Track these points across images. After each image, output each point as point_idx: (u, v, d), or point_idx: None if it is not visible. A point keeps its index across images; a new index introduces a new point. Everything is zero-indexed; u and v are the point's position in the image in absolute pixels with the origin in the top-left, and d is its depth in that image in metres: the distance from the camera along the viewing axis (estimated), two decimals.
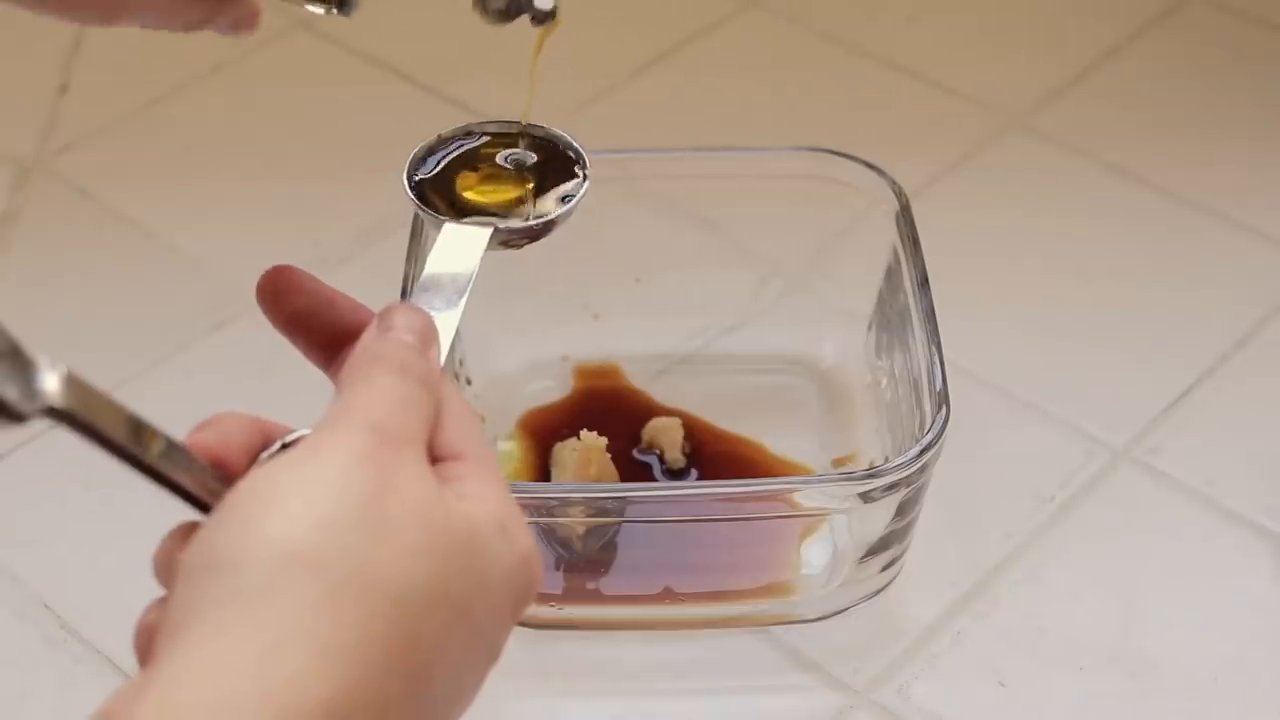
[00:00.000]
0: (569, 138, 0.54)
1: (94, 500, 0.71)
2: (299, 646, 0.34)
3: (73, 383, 0.35)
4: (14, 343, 0.34)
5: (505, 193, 0.54)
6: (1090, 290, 0.80)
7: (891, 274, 0.70)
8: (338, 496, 0.37)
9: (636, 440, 0.72)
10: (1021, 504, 0.70)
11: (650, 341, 0.76)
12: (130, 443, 0.37)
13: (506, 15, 0.53)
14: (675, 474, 0.71)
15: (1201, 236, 0.83)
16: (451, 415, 0.42)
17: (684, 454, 0.72)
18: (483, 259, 0.49)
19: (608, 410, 0.74)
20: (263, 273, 0.47)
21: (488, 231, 0.50)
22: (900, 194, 0.69)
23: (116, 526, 0.70)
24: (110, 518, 0.70)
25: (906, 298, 0.67)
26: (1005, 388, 0.75)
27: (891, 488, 0.60)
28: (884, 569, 0.66)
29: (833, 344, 0.75)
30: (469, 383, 0.73)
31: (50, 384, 0.34)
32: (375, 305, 0.71)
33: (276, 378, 0.77)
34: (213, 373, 0.77)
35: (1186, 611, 0.66)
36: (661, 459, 0.71)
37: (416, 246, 0.67)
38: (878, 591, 0.66)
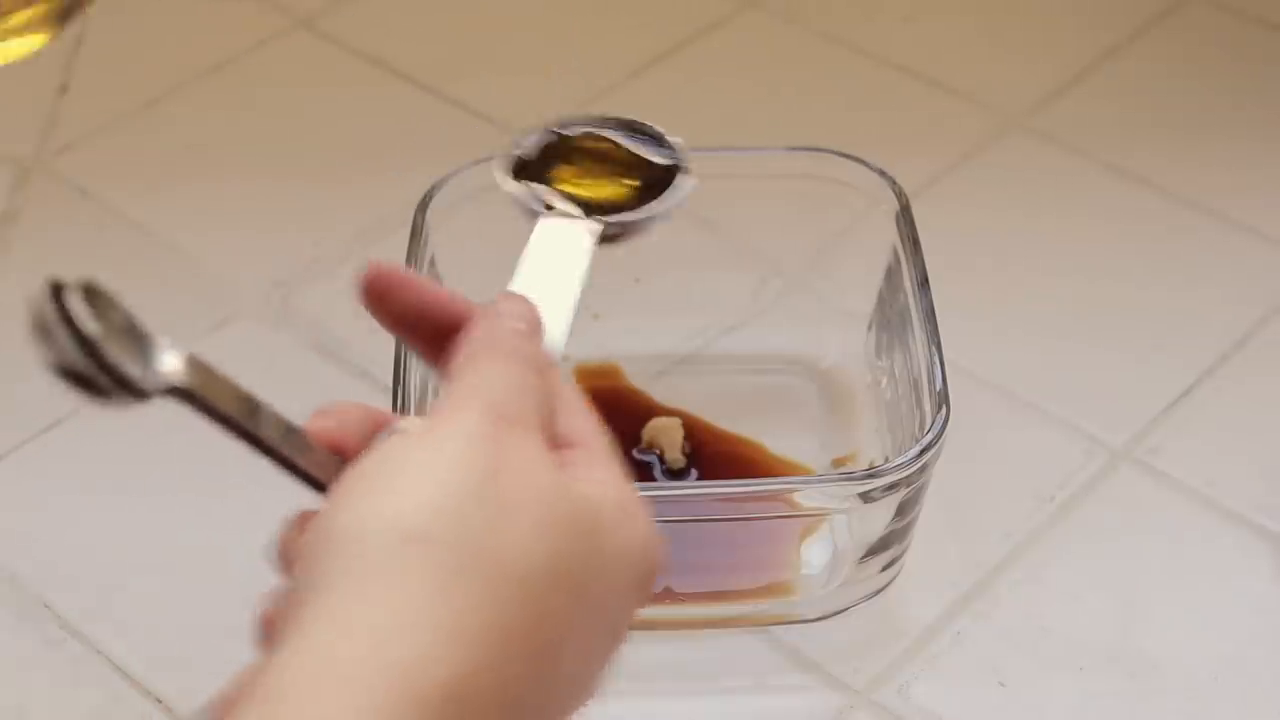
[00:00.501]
0: (664, 132, 0.52)
1: (94, 500, 0.71)
2: (419, 628, 0.34)
3: (193, 362, 0.36)
4: (132, 321, 0.35)
5: (602, 188, 0.53)
6: (1090, 290, 0.80)
7: (891, 274, 0.70)
8: (456, 477, 0.36)
9: (636, 440, 0.72)
10: (1021, 504, 0.70)
11: (650, 341, 0.76)
12: (249, 422, 0.37)
13: None
14: (675, 474, 0.71)
15: (1201, 236, 0.83)
16: (564, 403, 0.42)
17: (684, 454, 0.72)
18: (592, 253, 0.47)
19: (608, 410, 0.74)
20: (362, 273, 0.45)
21: (595, 228, 0.48)
22: (900, 194, 0.69)
23: (117, 527, 0.70)
24: (111, 518, 0.70)
25: (906, 298, 0.67)
26: (1005, 388, 0.75)
27: (891, 488, 0.60)
28: (884, 569, 0.66)
29: (833, 344, 0.75)
30: None
31: (172, 363, 0.35)
32: None
33: (277, 377, 0.77)
34: None
35: (1187, 611, 0.67)
36: (661, 459, 0.71)
37: (417, 246, 0.67)
38: (878, 591, 0.66)
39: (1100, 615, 0.66)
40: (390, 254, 0.70)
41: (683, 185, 0.51)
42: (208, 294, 0.81)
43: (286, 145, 0.90)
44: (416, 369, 0.64)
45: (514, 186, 0.49)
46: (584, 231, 0.48)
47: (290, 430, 0.38)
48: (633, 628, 0.41)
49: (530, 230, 0.48)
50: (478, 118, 0.91)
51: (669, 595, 0.66)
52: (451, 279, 0.71)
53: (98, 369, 0.33)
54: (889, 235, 0.69)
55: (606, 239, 0.50)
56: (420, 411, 0.64)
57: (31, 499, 0.72)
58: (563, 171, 0.53)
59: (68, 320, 0.33)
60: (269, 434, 0.38)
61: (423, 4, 0.99)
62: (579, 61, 0.94)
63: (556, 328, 0.46)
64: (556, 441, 0.41)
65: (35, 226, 0.85)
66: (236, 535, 0.69)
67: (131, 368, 0.34)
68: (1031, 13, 0.98)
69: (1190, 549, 0.69)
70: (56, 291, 0.34)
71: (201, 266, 0.83)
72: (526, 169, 0.52)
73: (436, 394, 0.67)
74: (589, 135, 0.53)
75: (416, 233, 0.68)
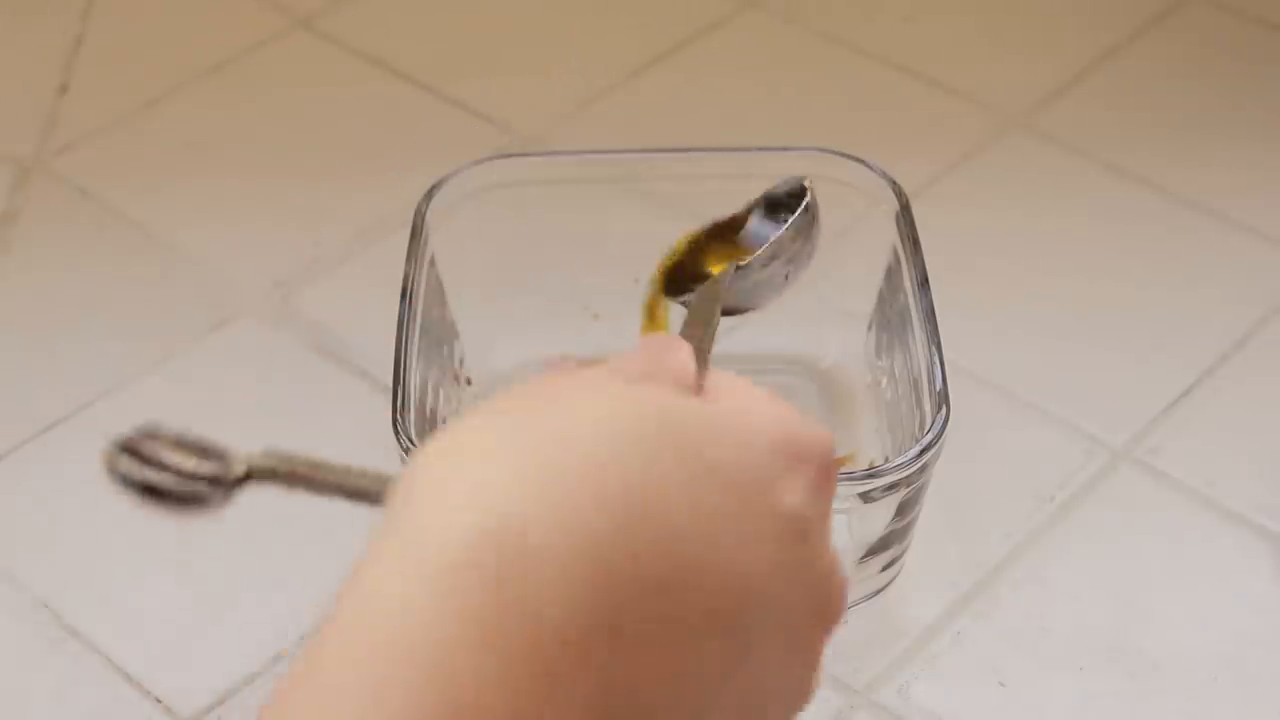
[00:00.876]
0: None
1: (93, 500, 0.71)
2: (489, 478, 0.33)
3: (263, 458, 0.39)
4: (202, 442, 0.39)
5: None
6: (1090, 290, 0.80)
7: (891, 274, 0.70)
8: (506, 395, 0.36)
9: None
10: (1021, 504, 0.70)
11: None
12: (318, 478, 0.39)
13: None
14: None
15: (1201, 236, 0.83)
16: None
17: None
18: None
19: None
20: None
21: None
22: (900, 194, 0.69)
23: (116, 527, 0.70)
24: (109, 518, 0.70)
25: (906, 298, 0.67)
26: (1005, 388, 0.75)
27: (891, 488, 0.60)
28: (884, 569, 0.66)
29: (833, 344, 0.75)
30: (469, 383, 0.73)
31: (244, 455, 0.38)
32: (374, 306, 0.71)
33: (276, 377, 0.78)
34: (213, 372, 0.77)
35: (1186, 611, 0.66)
36: None
37: (416, 246, 0.67)
38: (878, 591, 0.66)
39: (1100, 615, 0.66)
40: (390, 253, 0.70)
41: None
42: (208, 294, 0.81)
43: (286, 145, 0.90)
44: (416, 369, 0.64)
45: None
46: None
47: (352, 470, 0.39)
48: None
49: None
50: (478, 118, 0.91)
51: None
52: (451, 279, 0.71)
53: (186, 481, 0.38)
54: (889, 235, 0.69)
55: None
56: (419, 412, 0.64)
57: (31, 499, 0.72)
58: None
59: (148, 460, 0.39)
60: (338, 480, 0.39)
61: (423, 4, 0.99)
62: (579, 61, 0.94)
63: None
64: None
65: (35, 226, 0.85)
66: (236, 535, 0.69)
67: (214, 467, 0.38)
68: (1031, 13, 0.98)
69: (1190, 549, 0.69)
70: (125, 445, 0.40)
71: (201, 266, 0.83)
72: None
73: (436, 394, 0.68)
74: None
75: (416, 232, 0.68)
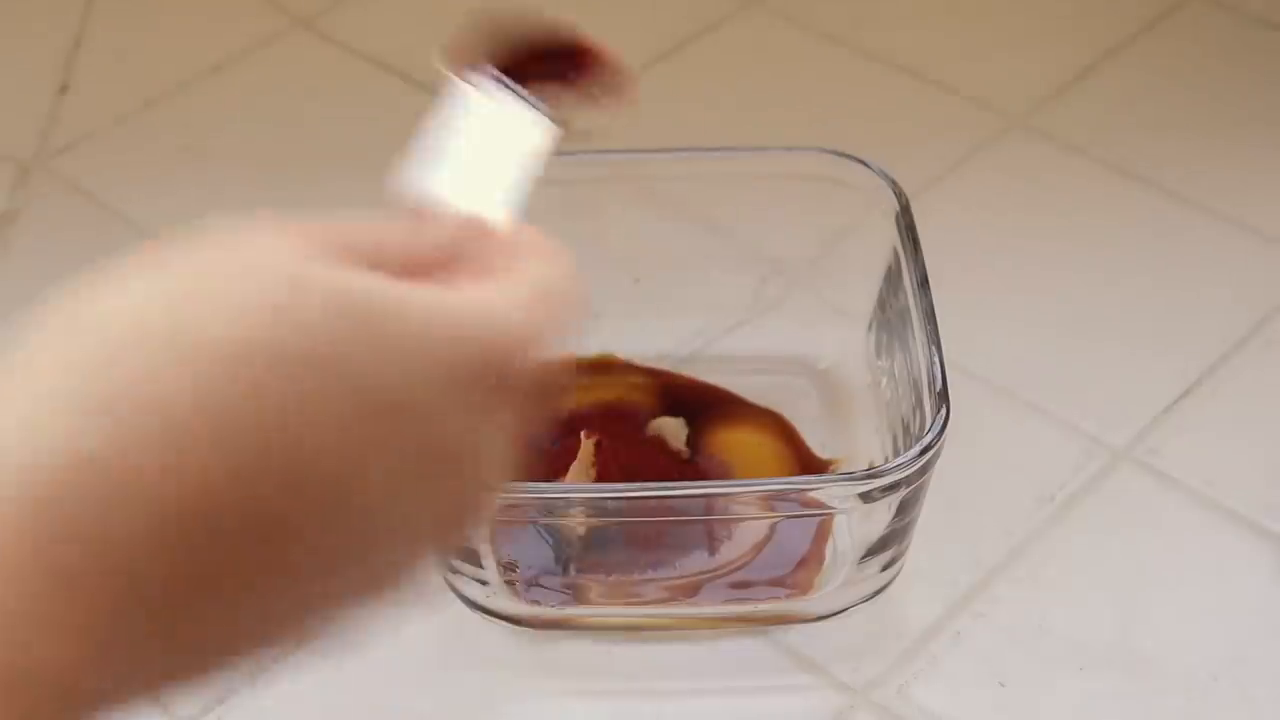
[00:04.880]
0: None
1: None
2: (35, 402, 0.29)
3: None
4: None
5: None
6: (1091, 290, 0.80)
7: (891, 274, 0.70)
8: (167, 271, 0.31)
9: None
10: (1021, 504, 0.70)
11: (649, 342, 0.76)
12: None
13: None
14: (681, 466, 0.71)
15: (1202, 236, 0.83)
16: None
17: (686, 445, 0.72)
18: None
19: (611, 409, 0.74)
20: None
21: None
22: (900, 194, 0.69)
23: None
24: None
25: (907, 298, 0.67)
26: (1005, 388, 0.75)
27: (891, 488, 0.60)
28: (884, 569, 0.66)
29: (832, 344, 0.75)
30: None
31: None
32: None
33: None
34: None
35: (1187, 611, 0.67)
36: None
37: None
38: (878, 592, 0.66)
39: (1100, 615, 0.66)
40: None
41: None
42: None
43: (286, 145, 0.90)
44: None
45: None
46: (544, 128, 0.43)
47: None
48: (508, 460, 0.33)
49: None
50: None
51: (681, 593, 0.66)
52: None
53: None
54: (889, 235, 0.69)
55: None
56: None
57: None
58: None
59: None
60: None
61: (423, 4, 0.99)
62: None
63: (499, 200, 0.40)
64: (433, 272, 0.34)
65: (35, 226, 0.85)
66: None
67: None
68: (1032, 13, 0.98)
69: (1190, 548, 0.69)
70: None
71: None
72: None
73: None
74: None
75: None
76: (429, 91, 0.94)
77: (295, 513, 0.30)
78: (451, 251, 0.36)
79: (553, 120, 0.42)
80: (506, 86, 0.42)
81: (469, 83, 0.41)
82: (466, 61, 0.42)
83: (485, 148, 0.40)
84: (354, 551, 0.31)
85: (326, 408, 0.30)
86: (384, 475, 0.31)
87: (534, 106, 0.42)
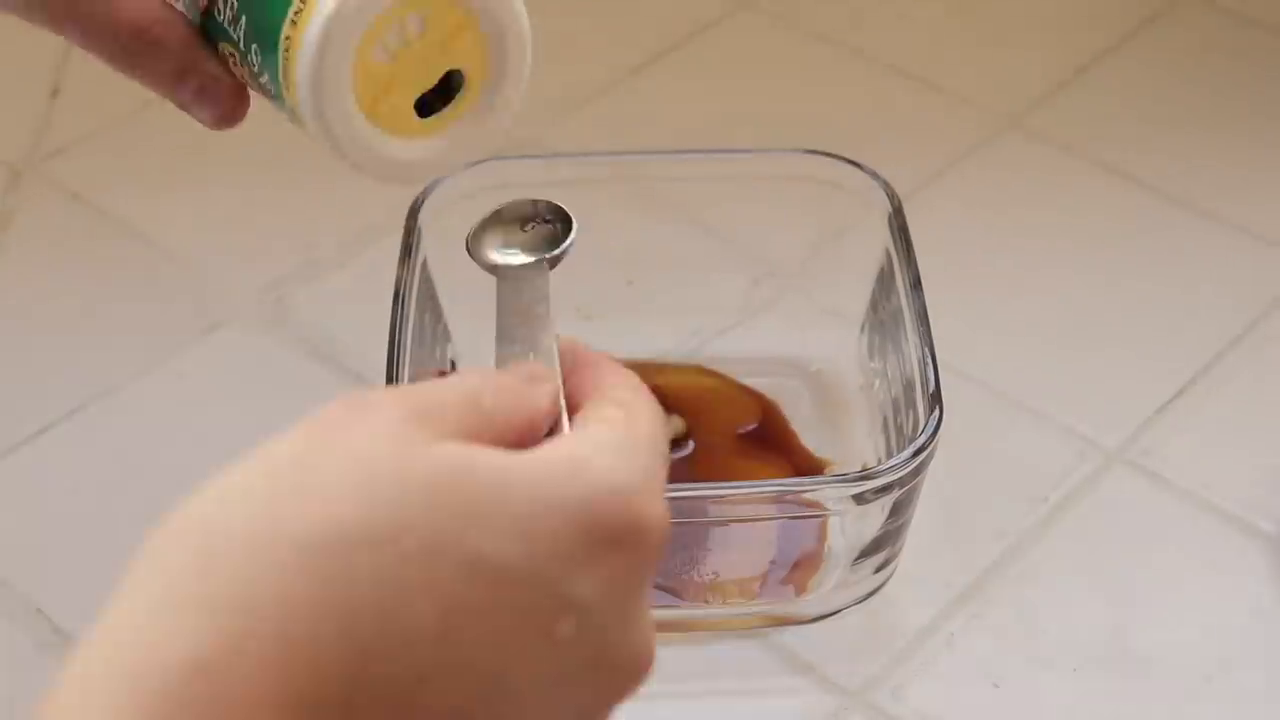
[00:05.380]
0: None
1: (86, 505, 0.71)
2: (159, 611, 0.30)
3: None
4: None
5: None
6: (1084, 291, 0.80)
7: (884, 276, 0.70)
8: (262, 458, 0.32)
9: None
10: (1015, 505, 0.70)
11: (643, 343, 0.76)
12: None
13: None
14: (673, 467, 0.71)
15: (1195, 237, 0.83)
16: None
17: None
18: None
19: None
20: None
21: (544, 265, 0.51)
22: (893, 195, 0.69)
23: (109, 531, 0.70)
24: (102, 523, 0.70)
25: (899, 299, 0.67)
26: (999, 389, 0.75)
27: (885, 490, 0.60)
28: (877, 571, 0.66)
29: (825, 346, 0.75)
30: None
31: None
32: (366, 309, 0.71)
33: (269, 381, 0.77)
34: (206, 375, 0.77)
35: (1180, 612, 0.67)
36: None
37: (409, 249, 0.67)
38: (871, 593, 0.66)
39: (1094, 616, 0.66)
40: (383, 257, 0.70)
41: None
42: (200, 298, 0.81)
43: (279, 148, 0.90)
44: (409, 372, 0.64)
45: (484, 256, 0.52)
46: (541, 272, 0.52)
47: None
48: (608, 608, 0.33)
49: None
50: None
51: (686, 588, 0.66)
52: (444, 282, 0.71)
53: None
54: (882, 237, 0.69)
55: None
56: None
57: (24, 503, 0.72)
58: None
59: None
60: None
61: None
62: (570, 64, 0.94)
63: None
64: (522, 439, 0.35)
65: (27, 230, 0.85)
66: None
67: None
68: (1024, 13, 0.98)
69: (1184, 550, 0.69)
70: None
71: (194, 270, 0.83)
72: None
73: None
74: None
75: (409, 235, 0.68)
76: None
77: (362, 646, 0.30)
78: (543, 406, 0.37)
79: (547, 261, 0.50)
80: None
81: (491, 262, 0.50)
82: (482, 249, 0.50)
83: (523, 308, 0.48)
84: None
85: (439, 584, 0.31)
86: (509, 639, 0.32)
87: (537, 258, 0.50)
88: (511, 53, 0.49)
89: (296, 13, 0.45)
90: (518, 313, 0.47)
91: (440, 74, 0.48)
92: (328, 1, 0.44)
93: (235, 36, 0.48)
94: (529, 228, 0.53)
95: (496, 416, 0.35)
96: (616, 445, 0.35)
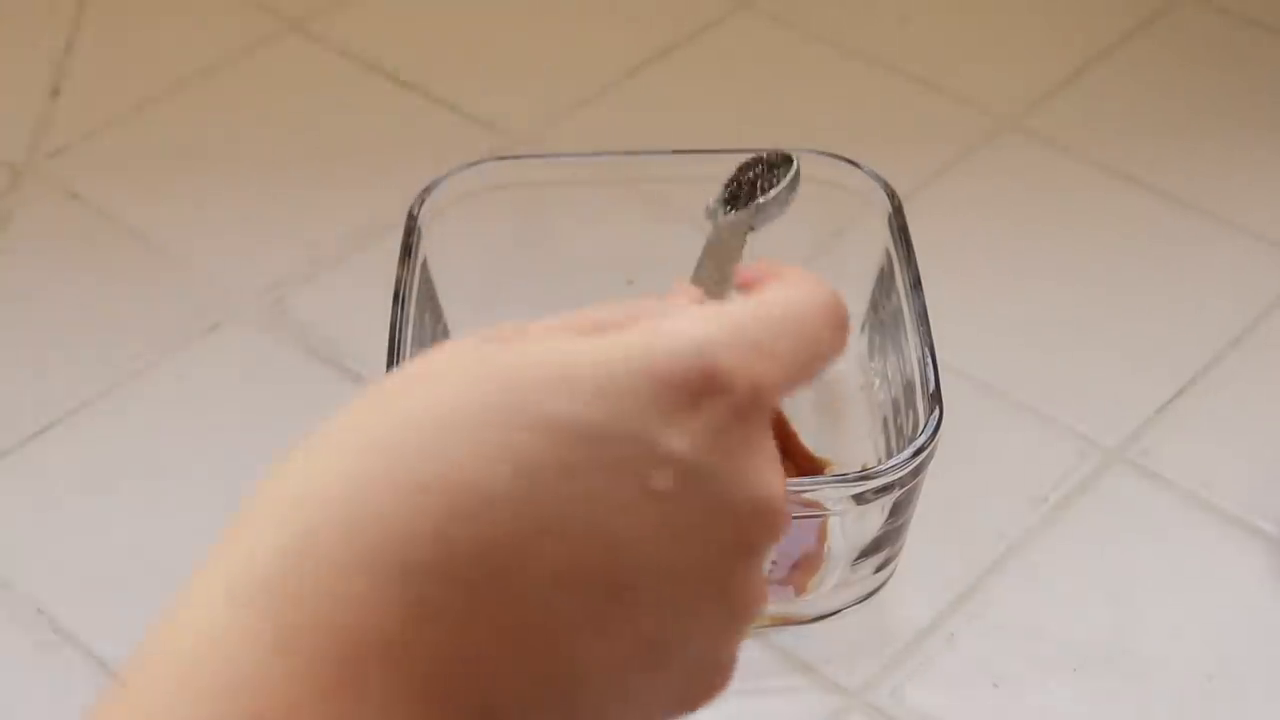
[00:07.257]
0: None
1: (87, 505, 0.71)
2: (247, 517, 0.32)
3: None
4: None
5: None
6: (1083, 291, 0.80)
7: (884, 276, 0.70)
8: (382, 384, 0.34)
9: None
10: (1015, 505, 0.70)
11: None
12: None
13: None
14: None
15: (1194, 237, 0.83)
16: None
17: None
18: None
19: None
20: None
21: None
22: (893, 195, 0.69)
23: (110, 531, 0.70)
24: (103, 523, 0.70)
25: (899, 299, 0.67)
26: (999, 389, 0.75)
27: (885, 490, 0.60)
28: (877, 570, 0.66)
29: None
30: None
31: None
32: (366, 309, 0.71)
33: (269, 381, 0.77)
34: (206, 375, 0.77)
35: (1180, 612, 0.67)
36: None
37: (409, 249, 0.67)
38: (871, 593, 0.66)
39: (1093, 616, 0.66)
40: (383, 256, 0.70)
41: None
42: (200, 298, 0.81)
43: (279, 148, 0.90)
44: None
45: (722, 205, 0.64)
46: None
47: None
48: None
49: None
50: (470, 120, 0.91)
51: None
52: (444, 282, 0.71)
53: None
54: (882, 237, 0.69)
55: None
56: None
57: (24, 503, 0.72)
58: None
59: None
60: None
61: (415, 7, 0.99)
62: (571, 64, 0.94)
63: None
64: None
65: (26, 230, 0.85)
66: None
67: None
68: (1024, 14, 0.98)
69: (1183, 550, 0.69)
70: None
71: (194, 270, 0.83)
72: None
73: None
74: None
75: (409, 235, 0.68)
76: (419, 92, 0.95)
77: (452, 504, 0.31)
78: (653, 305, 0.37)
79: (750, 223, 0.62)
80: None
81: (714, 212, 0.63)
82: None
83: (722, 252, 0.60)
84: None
85: (522, 449, 0.31)
86: (606, 496, 0.32)
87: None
88: None
89: None
90: (711, 255, 0.58)
91: None
92: None
93: None
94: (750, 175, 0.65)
95: (603, 316, 0.36)
96: (705, 313, 0.35)
